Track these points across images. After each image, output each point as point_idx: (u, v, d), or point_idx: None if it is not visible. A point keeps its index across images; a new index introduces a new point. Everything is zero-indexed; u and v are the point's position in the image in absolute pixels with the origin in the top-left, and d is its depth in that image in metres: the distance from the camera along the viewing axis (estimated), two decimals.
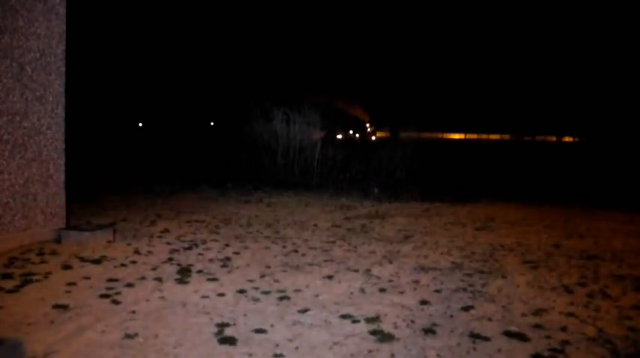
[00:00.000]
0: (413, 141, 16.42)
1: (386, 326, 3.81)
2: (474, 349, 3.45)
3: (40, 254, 5.61)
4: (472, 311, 4.21)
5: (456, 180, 14.48)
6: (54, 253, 5.67)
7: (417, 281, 5.04)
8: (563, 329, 3.85)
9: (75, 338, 3.44)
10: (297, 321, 3.89)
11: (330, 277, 5.14)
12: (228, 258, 5.79)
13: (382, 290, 4.75)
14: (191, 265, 5.43)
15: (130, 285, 4.65)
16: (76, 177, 8.46)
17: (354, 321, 3.92)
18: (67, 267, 5.16)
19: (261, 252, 6.20)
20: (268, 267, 5.49)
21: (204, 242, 6.59)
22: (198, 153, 17.28)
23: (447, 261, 5.92)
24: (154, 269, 5.24)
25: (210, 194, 11.73)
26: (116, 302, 4.18)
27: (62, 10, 6.44)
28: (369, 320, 3.93)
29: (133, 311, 3.98)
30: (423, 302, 4.40)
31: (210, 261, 5.67)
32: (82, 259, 5.46)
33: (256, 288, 4.70)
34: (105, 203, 9.57)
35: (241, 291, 4.59)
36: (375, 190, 12.79)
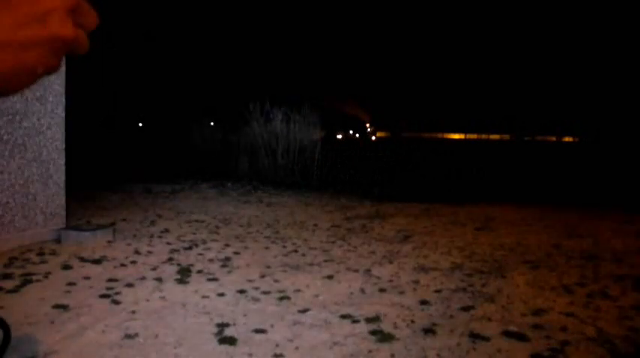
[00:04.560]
0: (413, 141, 16.40)
1: (386, 326, 3.81)
2: (474, 349, 3.45)
3: (40, 254, 5.61)
4: (472, 311, 4.21)
5: (456, 180, 14.48)
6: (54, 253, 5.67)
7: (417, 282, 5.04)
8: (563, 329, 3.85)
9: (75, 338, 3.44)
10: (297, 321, 3.89)
11: (330, 277, 5.14)
12: (228, 258, 5.79)
13: (382, 290, 4.75)
14: (191, 265, 5.43)
15: (130, 285, 4.65)
16: (76, 177, 8.46)
17: (354, 321, 3.92)
18: (67, 267, 5.16)
19: (261, 252, 6.20)
20: (268, 267, 5.49)
21: (204, 242, 6.59)
22: (198, 153, 17.28)
23: (447, 261, 5.92)
24: (154, 269, 5.24)
25: (210, 194, 11.73)
26: (116, 302, 4.18)
27: None
28: (369, 320, 3.93)
29: (133, 311, 3.98)
30: (423, 302, 4.40)
31: (210, 261, 5.67)
32: (82, 259, 5.46)
33: (256, 288, 4.70)
34: (105, 203, 9.57)
35: (241, 291, 4.59)
36: (375, 190, 12.79)
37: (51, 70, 0.44)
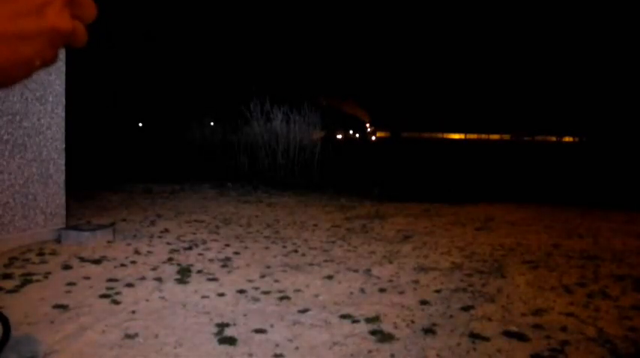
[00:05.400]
0: (413, 141, 16.42)
1: (386, 326, 3.82)
2: (474, 349, 3.45)
3: (40, 254, 5.61)
4: (472, 311, 4.21)
5: (456, 180, 14.49)
6: (54, 253, 5.67)
7: (417, 281, 5.04)
8: (563, 329, 3.85)
9: (75, 338, 3.44)
10: (297, 321, 3.89)
11: (330, 277, 5.14)
12: (228, 258, 5.80)
13: (382, 290, 4.75)
14: (191, 265, 5.43)
15: (130, 285, 4.65)
16: (76, 177, 8.46)
17: (354, 321, 3.92)
18: (67, 267, 5.16)
19: (261, 252, 6.20)
20: (268, 267, 5.49)
21: (204, 242, 6.60)
22: (198, 153, 17.31)
23: (447, 261, 5.92)
24: (154, 269, 5.24)
25: (210, 194, 11.73)
26: (116, 302, 4.18)
27: None
28: (369, 320, 3.93)
29: (133, 311, 3.98)
30: (423, 302, 4.40)
31: (210, 261, 5.67)
32: (82, 259, 5.47)
33: (256, 288, 4.70)
34: (105, 203, 9.57)
35: (241, 291, 4.60)
36: (375, 190, 12.79)
37: (48, 62, 0.43)
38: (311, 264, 5.64)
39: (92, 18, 0.44)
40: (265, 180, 14.21)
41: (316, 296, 4.53)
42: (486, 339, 3.61)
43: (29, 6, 0.39)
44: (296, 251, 6.28)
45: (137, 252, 5.88)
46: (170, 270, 5.20)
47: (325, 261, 5.82)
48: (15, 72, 0.40)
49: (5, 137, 5.70)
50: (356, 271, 5.40)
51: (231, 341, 3.48)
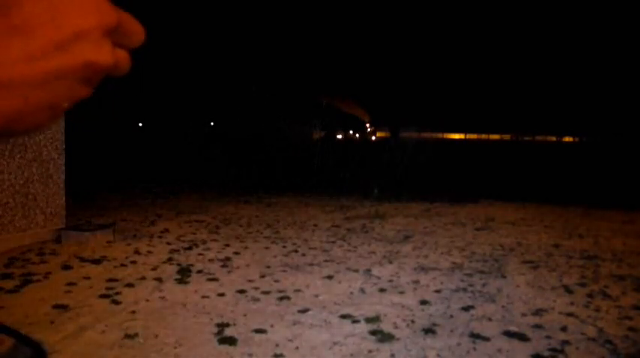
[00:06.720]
0: (413, 141, 16.46)
1: (386, 326, 3.81)
2: (474, 349, 3.45)
3: (40, 254, 5.61)
4: (472, 311, 4.21)
5: (456, 180, 14.48)
6: (54, 253, 5.67)
7: (417, 281, 5.04)
8: (563, 329, 3.85)
9: (75, 338, 3.44)
10: (297, 321, 3.89)
11: (330, 277, 5.14)
12: (228, 258, 5.79)
13: (382, 290, 4.75)
14: (191, 265, 5.43)
15: (130, 285, 4.65)
16: (76, 177, 8.46)
17: (354, 321, 3.92)
18: (67, 267, 5.16)
19: (261, 252, 6.19)
20: (268, 267, 5.49)
21: (204, 242, 6.59)
22: (198, 153, 17.31)
23: (447, 261, 5.92)
24: (154, 269, 5.24)
25: (210, 194, 11.73)
26: (116, 302, 4.18)
27: None
28: (369, 320, 3.93)
29: (133, 311, 3.98)
30: (423, 302, 4.40)
31: (210, 261, 5.67)
32: (82, 259, 5.46)
33: (256, 288, 4.70)
34: (105, 203, 9.57)
35: (241, 291, 4.59)
36: (375, 190, 12.79)
37: (80, 101, 0.35)
38: (311, 264, 5.64)
39: (139, 43, 0.37)
40: (265, 180, 14.21)
41: (316, 296, 4.53)
42: (486, 339, 3.61)
43: (53, 42, 0.31)
44: (296, 251, 6.28)
45: (137, 252, 5.88)
46: (170, 270, 5.20)
47: (325, 261, 5.82)
48: (31, 121, 0.32)
49: None
50: (356, 271, 5.40)
51: (231, 341, 3.48)
